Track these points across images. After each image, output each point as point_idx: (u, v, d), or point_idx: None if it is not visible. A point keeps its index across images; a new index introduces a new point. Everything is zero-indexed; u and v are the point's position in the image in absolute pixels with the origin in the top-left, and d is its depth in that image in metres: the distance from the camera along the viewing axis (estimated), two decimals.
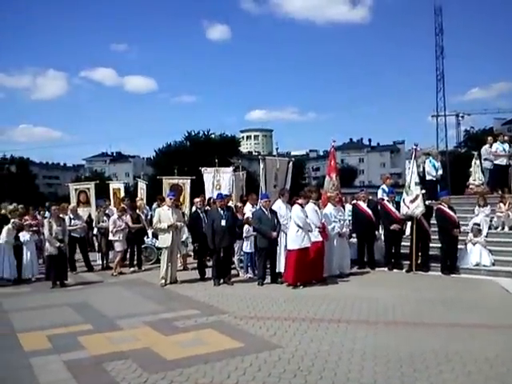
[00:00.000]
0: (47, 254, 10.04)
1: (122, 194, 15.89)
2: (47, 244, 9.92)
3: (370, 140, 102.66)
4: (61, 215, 10.62)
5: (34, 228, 11.53)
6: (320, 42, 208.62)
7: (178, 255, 10.79)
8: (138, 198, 14.56)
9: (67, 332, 6.25)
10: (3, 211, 11.95)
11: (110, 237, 11.44)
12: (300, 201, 9.39)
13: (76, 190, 16.12)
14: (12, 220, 10.70)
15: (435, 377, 4.51)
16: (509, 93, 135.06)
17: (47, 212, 13.16)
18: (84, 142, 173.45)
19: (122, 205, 12.70)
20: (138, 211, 12.62)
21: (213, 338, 5.87)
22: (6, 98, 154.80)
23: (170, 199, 10.08)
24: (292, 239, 9.03)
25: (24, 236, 10.82)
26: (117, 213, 11.78)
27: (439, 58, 47.75)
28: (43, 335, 6.10)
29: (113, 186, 16.90)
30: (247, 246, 10.27)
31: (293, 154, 78.47)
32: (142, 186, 16.11)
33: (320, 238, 9.40)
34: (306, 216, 9.13)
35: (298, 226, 8.95)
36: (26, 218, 11.87)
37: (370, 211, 11.10)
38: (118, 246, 11.30)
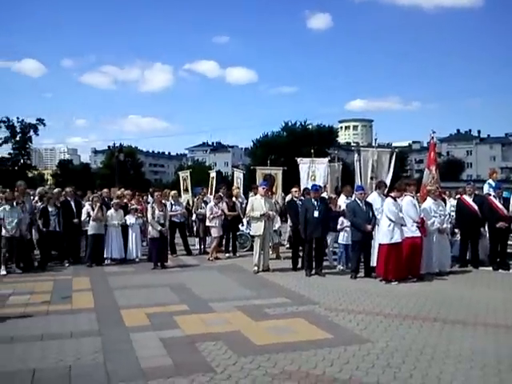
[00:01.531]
0: (150, 236, 10.69)
1: (215, 181, 16.35)
2: (150, 227, 10.56)
3: (479, 131, 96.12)
4: (163, 201, 11.26)
5: (140, 214, 12.28)
6: (427, 29, 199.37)
7: (272, 244, 10.96)
8: (234, 187, 14.93)
9: (164, 311, 6.62)
10: (112, 195, 12.85)
11: (207, 223, 11.90)
12: (393, 194, 9.06)
13: (182, 177, 17.03)
14: (112, 202, 11.49)
15: None
16: None
17: (150, 197, 13.94)
18: (187, 132, 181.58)
19: (219, 193, 13.12)
20: (234, 199, 12.95)
21: (302, 327, 5.90)
22: (118, 89, 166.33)
23: (263, 189, 10.25)
24: (383, 233, 8.76)
25: (130, 219, 11.60)
26: (213, 200, 12.20)
27: None
28: (143, 312, 6.51)
29: (212, 174, 17.53)
30: (343, 238, 10.15)
31: (394, 145, 75.82)
32: (238, 175, 16.48)
33: (418, 234, 9.02)
34: (400, 210, 8.80)
35: (390, 219, 8.66)
36: (132, 202, 12.69)
37: (475, 206, 10.42)
38: (215, 232, 11.71)
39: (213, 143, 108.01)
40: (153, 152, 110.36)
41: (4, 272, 9.67)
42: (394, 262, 8.57)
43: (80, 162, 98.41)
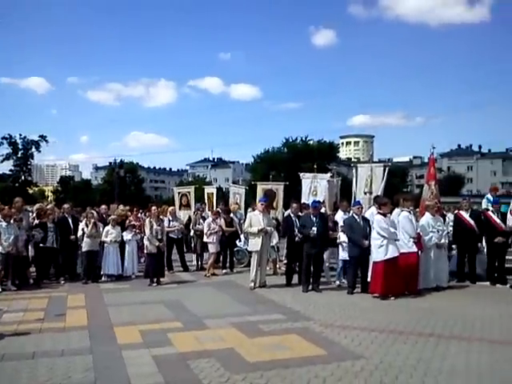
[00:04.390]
0: (147, 252, 10.66)
1: (215, 197, 16.44)
2: (147, 242, 10.53)
3: (480, 146, 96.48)
4: (160, 216, 11.25)
5: (137, 230, 12.25)
6: (433, 45, 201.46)
7: (270, 259, 10.94)
8: (231, 203, 14.95)
9: (158, 328, 6.56)
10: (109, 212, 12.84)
11: (205, 239, 11.87)
12: (382, 210, 9.02)
13: (179, 193, 17.04)
14: (109, 218, 11.47)
15: None
16: None
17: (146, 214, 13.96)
18: (189, 148, 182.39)
19: (217, 209, 13.14)
20: (231, 215, 12.94)
21: (296, 343, 5.84)
22: (122, 106, 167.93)
23: (262, 204, 10.26)
24: (377, 250, 8.72)
25: (127, 235, 11.58)
26: (211, 216, 12.19)
27: None
28: (136, 330, 6.45)
29: (207, 190, 17.58)
30: (343, 254, 10.11)
31: (395, 160, 75.98)
32: (236, 190, 16.51)
33: (415, 249, 9.00)
34: (392, 225, 8.79)
35: (383, 236, 8.63)
36: (130, 218, 12.69)
37: (472, 221, 10.40)
38: (212, 248, 11.68)
39: (214, 159, 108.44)
40: (154, 168, 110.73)
41: None
42: (391, 277, 8.52)
43: (81, 178, 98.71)
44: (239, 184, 30.73)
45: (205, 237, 11.88)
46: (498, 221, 10.08)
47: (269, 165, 48.53)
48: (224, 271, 12.10)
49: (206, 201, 16.37)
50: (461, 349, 5.57)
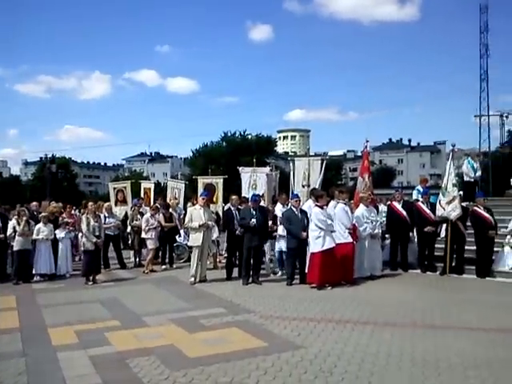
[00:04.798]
0: (83, 249, 10.28)
1: (153, 193, 16.19)
2: (84, 239, 10.15)
3: (409, 140, 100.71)
4: (97, 212, 10.89)
5: (71, 227, 11.80)
6: (365, 42, 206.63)
7: (211, 254, 10.90)
8: (169, 197, 14.76)
9: (95, 328, 6.36)
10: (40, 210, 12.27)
11: (143, 235, 11.63)
12: (319, 202, 9.23)
13: (114, 188, 16.62)
14: (41, 215, 10.97)
15: (460, 382, 4.37)
16: None
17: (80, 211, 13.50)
18: (125, 142, 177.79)
19: (156, 204, 12.92)
20: (170, 210, 12.77)
21: (237, 336, 5.87)
22: (53, 99, 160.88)
23: (203, 199, 10.18)
24: (314, 242, 8.92)
25: (60, 233, 11.12)
26: (150, 211, 11.96)
27: (483, 56, 46.31)
28: (71, 330, 6.23)
29: (144, 185, 17.26)
30: (278, 244, 10.26)
31: (330, 154, 77.72)
32: (174, 185, 16.31)
33: (350, 239, 9.28)
34: (328, 217, 9.02)
35: (320, 227, 8.84)
36: (63, 215, 12.21)
37: (404, 212, 10.85)
38: (150, 244, 11.47)
39: (151, 153, 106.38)
40: (88, 163, 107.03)
41: None
42: (328, 267, 8.73)
43: (10, 174, 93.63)
44: (178, 179, 30.40)
45: (143, 233, 11.64)
46: (428, 211, 10.57)
47: (208, 159, 48.18)
48: (163, 267, 11.92)
49: (143, 196, 16.07)
50: (395, 335, 5.81)
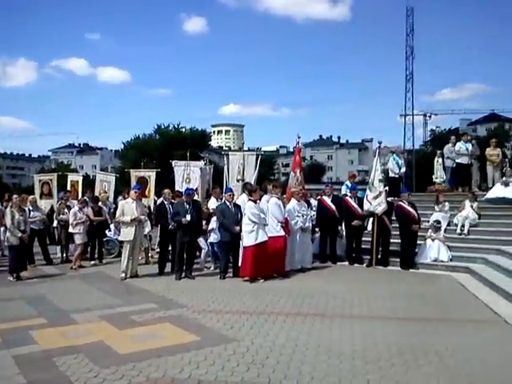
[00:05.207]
0: (8, 244, 9.75)
1: (81, 186, 15.63)
2: (8, 234, 9.62)
3: (339, 137, 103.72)
4: (21, 206, 10.34)
5: None
6: (298, 39, 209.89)
7: (142, 249, 10.71)
8: (99, 191, 14.33)
9: (19, 326, 6.06)
10: None
11: (70, 229, 11.19)
12: (253, 197, 9.34)
13: (40, 181, 15.87)
14: None
15: (387, 369, 4.57)
16: (478, 94, 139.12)
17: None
18: (52, 132, 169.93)
19: (84, 197, 12.50)
20: (100, 204, 12.40)
21: (169, 331, 5.82)
22: None
23: (135, 192, 9.96)
24: (247, 236, 9.01)
25: None
26: (77, 205, 11.53)
27: (409, 58, 48.73)
28: None
29: (71, 178, 16.61)
30: (210, 237, 10.29)
31: (263, 149, 78.72)
32: (103, 178, 15.83)
33: (282, 233, 9.45)
34: (262, 211, 9.14)
35: (253, 221, 8.95)
36: None
37: (333, 206, 11.21)
38: (78, 239, 11.07)
39: (80, 145, 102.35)
40: (11, 154, 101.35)
41: None
42: (260, 261, 8.86)
43: None
44: (108, 171, 29.51)
45: (70, 227, 11.20)
46: (356, 206, 11.00)
47: (140, 152, 47.17)
48: (92, 263, 11.56)
49: (71, 189, 15.45)
50: (324, 325, 6.01)
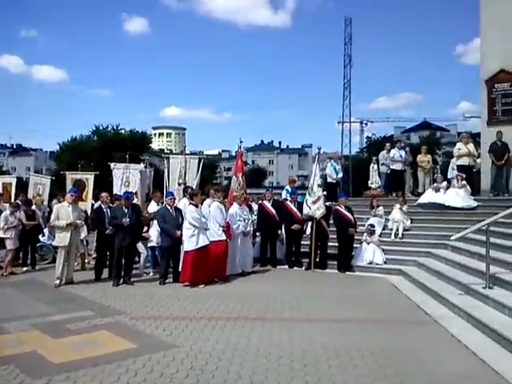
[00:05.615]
0: None
1: (14, 188, 14.92)
2: None
3: (280, 142, 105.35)
4: None
5: None
6: (240, 44, 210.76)
7: (78, 254, 10.39)
8: (32, 194, 13.76)
9: None
10: None
11: (1, 234, 10.65)
12: (194, 201, 9.32)
13: None
14: None
15: (324, 371, 4.68)
16: (412, 103, 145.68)
17: None
18: None
19: (17, 200, 11.95)
20: (34, 207, 11.90)
21: (106, 339, 5.68)
22: None
23: (72, 196, 9.63)
24: (188, 240, 8.96)
25: None
26: (9, 209, 11.00)
27: (347, 66, 50.23)
28: None
29: (3, 180, 15.83)
30: (153, 242, 10.15)
31: (206, 153, 78.23)
32: (37, 180, 15.20)
33: (224, 237, 9.46)
34: (203, 215, 9.13)
35: (194, 226, 8.92)
36: None
37: (273, 211, 11.36)
38: (10, 244, 10.55)
39: (12, 145, 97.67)
40: None
41: None
42: (201, 265, 8.82)
43: None
44: (43, 173, 28.35)
45: (1, 232, 10.67)
46: (296, 210, 11.21)
47: (77, 153, 45.59)
48: (24, 269, 11.04)
49: (2, 191, 14.72)
50: (264, 329, 6.08)
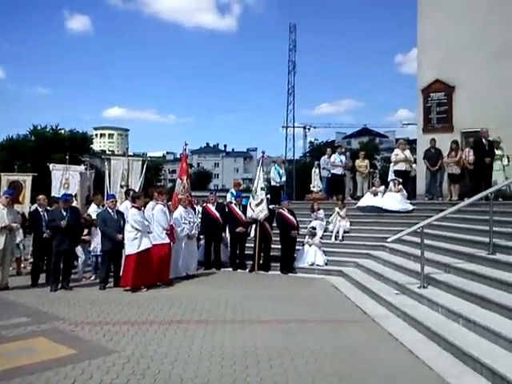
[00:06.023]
0: None
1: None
2: None
3: (225, 146, 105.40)
4: None
5: None
6: (186, 47, 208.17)
7: (14, 259, 9.97)
8: None
9: None
10: None
11: None
12: (137, 203, 9.20)
13: None
14: None
15: (265, 372, 4.74)
16: (354, 109, 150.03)
17: None
18: None
19: None
20: None
21: (43, 346, 5.50)
22: None
23: (7, 198, 9.23)
24: (130, 243, 8.83)
25: None
26: None
27: (291, 72, 51.00)
28: None
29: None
30: (94, 248, 9.91)
31: (149, 155, 76.90)
32: None
33: (167, 240, 9.39)
34: (145, 218, 9.03)
35: (136, 229, 8.81)
36: None
37: (217, 214, 11.38)
38: None
39: None
40: None
41: None
42: (143, 269, 8.69)
43: None
44: None
45: None
46: (240, 213, 11.30)
47: (13, 154, 43.65)
48: None
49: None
50: (207, 331, 6.08)
